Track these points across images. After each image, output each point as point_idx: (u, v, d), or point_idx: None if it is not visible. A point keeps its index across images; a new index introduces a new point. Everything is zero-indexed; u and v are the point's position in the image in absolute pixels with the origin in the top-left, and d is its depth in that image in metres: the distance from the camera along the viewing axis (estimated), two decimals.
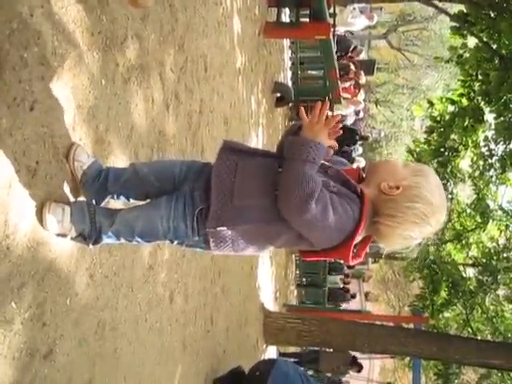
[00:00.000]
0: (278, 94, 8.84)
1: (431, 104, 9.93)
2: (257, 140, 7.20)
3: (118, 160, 2.81)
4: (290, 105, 10.00)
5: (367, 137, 14.02)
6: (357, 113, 13.49)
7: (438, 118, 9.75)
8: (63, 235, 2.22)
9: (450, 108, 9.71)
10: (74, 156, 2.34)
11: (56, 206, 2.18)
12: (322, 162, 2.00)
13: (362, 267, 16.15)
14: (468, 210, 10.69)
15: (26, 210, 2.05)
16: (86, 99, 2.47)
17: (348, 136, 12.27)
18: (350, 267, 17.50)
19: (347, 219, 1.93)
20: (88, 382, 2.59)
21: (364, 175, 2.12)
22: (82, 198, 2.41)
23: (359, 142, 13.21)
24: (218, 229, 2.02)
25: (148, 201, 2.31)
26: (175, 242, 2.20)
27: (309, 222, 1.87)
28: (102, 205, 2.40)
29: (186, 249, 2.33)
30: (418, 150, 10.59)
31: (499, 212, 10.44)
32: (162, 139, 3.44)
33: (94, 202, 2.36)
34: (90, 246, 2.27)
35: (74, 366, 2.44)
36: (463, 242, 10.82)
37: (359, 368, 10.47)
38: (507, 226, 10.23)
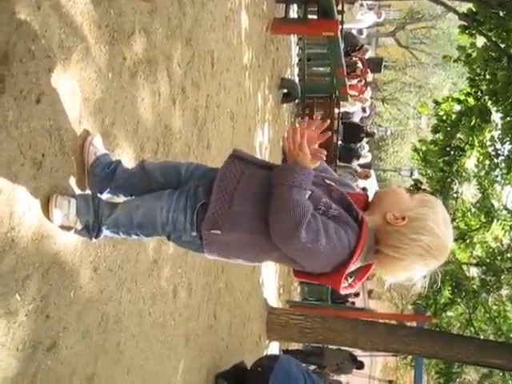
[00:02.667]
0: (285, 90, 8.82)
1: (437, 103, 9.89)
2: (262, 136, 7.19)
3: (124, 153, 2.81)
4: (297, 101, 9.97)
5: (373, 133, 14.00)
6: (363, 110, 13.46)
7: (444, 118, 9.71)
8: (68, 228, 2.23)
9: (457, 107, 9.67)
10: (91, 141, 2.39)
11: (62, 199, 2.17)
12: (329, 182, 2.03)
13: None
14: (473, 210, 10.65)
15: (31, 202, 2.05)
16: (93, 92, 2.47)
17: (354, 133, 12.26)
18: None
19: (342, 248, 1.87)
20: (91, 375, 2.60)
21: (370, 201, 2.09)
22: (87, 192, 2.41)
23: (365, 139, 13.18)
24: (213, 232, 1.99)
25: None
26: (172, 237, 2.16)
27: (298, 250, 1.85)
28: (105, 198, 2.39)
29: (181, 247, 2.31)
30: (423, 148, 10.55)
31: (504, 212, 10.39)
32: (168, 133, 3.44)
33: (97, 191, 2.37)
34: (93, 239, 2.26)
35: (77, 359, 2.45)
36: (467, 241, 10.78)
37: (360, 365, 10.47)
38: (511, 227, 10.19)
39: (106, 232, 2.25)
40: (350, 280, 1.99)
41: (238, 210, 1.98)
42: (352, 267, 1.90)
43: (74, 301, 2.40)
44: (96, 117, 2.50)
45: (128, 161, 2.86)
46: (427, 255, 1.91)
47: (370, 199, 2.11)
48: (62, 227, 2.21)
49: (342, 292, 2.00)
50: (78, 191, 2.38)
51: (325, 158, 1.99)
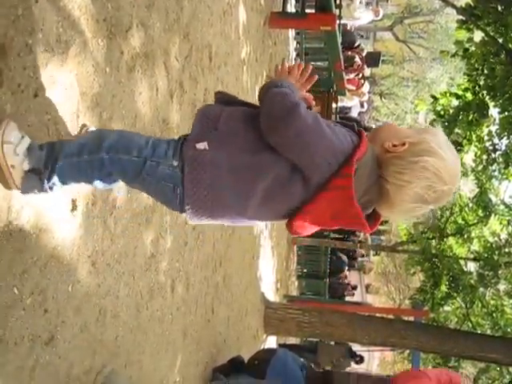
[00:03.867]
0: None
1: (435, 99, 9.90)
2: None
3: None
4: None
5: (371, 128, 14.00)
6: (361, 105, 13.47)
7: (442, 113, 9.72)
8: (9, 173, 1.82)
9: (455, 102, 9.68)
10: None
11: (14, 127, 1.83)
12: None
13: (363, 259, 16.16)
14: (470, 204, 10.69)
15: (29, 196, 2.05)
16: (90, 86, 2.46)
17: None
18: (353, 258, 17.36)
19: (344, 138, 1.73)
20: (89, 369, 2.61)
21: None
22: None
23: None
24: (198, 146, 1.77)
25: None
26: (147, 167, 1.81)
27: (300, 131, 1.67)
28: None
29: (150, 191, 1.96)
30: None
31: (501, 207, 10.44)
32: (166, 128, 3.44)
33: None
34: (45, 184, 1.87)
35: (75, 353, 2.45)
36: (465, 236, 10.83)
37: (360, 359, 10.51)
38: (509, 221, 10.23)
39: (62, 166, 1.85)
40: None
41: (224, 130, 1.80)
42: (358, 184, 1.69)
43: (72, 295, 2.40)
44: (94, 111, 2.50)
45: None
46: (434, 178, 1.72)
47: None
48: (4, 166, 1.80)
49: (358, 214, 1.73)
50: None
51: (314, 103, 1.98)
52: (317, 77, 1.98)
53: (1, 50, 1.85)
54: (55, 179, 1.88)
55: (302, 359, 8.19)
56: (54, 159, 1.85)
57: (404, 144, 1.77)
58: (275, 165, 1.74)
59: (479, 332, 9.97)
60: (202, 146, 1.76)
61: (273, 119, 1.70)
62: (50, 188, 1.90)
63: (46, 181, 1.86)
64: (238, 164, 1.76)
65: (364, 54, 12.01)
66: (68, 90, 2.27)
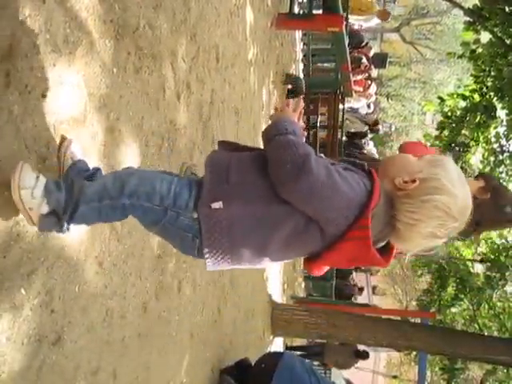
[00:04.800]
0: (290, 86, 8.82)
1: (442, 100, 9.88)
2: None
3: (129, 149, 2.82)
4: (301, 97, 9.97)
5: (378, 129, 13.96)
6: (368, 106, 13.43)
7: (449, 114, 9.70)
8: (28, 215, 1.86)
9: (462, 103, 9.66)
10: (68, 146, 2.16)
11: (29, 169, 1.85)
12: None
13: None
14: None
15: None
16: (98, 87, 2.47)
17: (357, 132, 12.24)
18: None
19: (357, 187, 1.71)
20: (96, 370, 2.61)
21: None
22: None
23: (370, 135, 13.16)
24: (213, 206, 1.76)
25: None
26: (168, 215, 1.81)
27: (313, 187, 1.65)
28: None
29: (168, 238, 1.96)
30: (428, 144, 10.54)
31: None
32: (173, 129, 3.44)
33: None
34: (64, 227, 1.90)
35: (81, 353, 2.46)
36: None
37: (365, 356, 10.49)
38: None
39: (83, 211, 1.86)
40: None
41: (236, 181, 1.79)
42: (374, 224, 1.70)
43: (79, 295, 2.40)
44: (101, 111, 2.50)
45: (133, 156, 2.87)
46: (445, 216, 1.73)
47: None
48: (23, 210, 1.85)
49: (376, 258, 1.76)
50: None
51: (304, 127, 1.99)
52: (303, 106, 2.01)
53: (8, 50, 1.86)
54: (75, 221, 1.92)
55: (308, 360, 8.19)
56: (73, 204, 1.86)
57: (414, 181, 1.77)
58: (291, 217, 1.74)
59: (486, 334, 9.92)
60: (217, 205, 1.77)
61: (284, 177, 1.68)
62: (68, 229, 1.94)
63: (65, 224, 1.90)
64: (254, 217, 1.77)
65: (371, 54, 11.98)
66: (75, 90, 2.28)
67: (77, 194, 1.86)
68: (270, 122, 1.87)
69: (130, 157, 2.83)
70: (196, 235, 1.81)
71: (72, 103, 2.26)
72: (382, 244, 1.85)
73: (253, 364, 5.31)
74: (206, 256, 1.82)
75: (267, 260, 1.89)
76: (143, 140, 3.00)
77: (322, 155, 1.87)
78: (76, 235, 2.34)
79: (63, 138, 2.18)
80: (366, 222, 1.68)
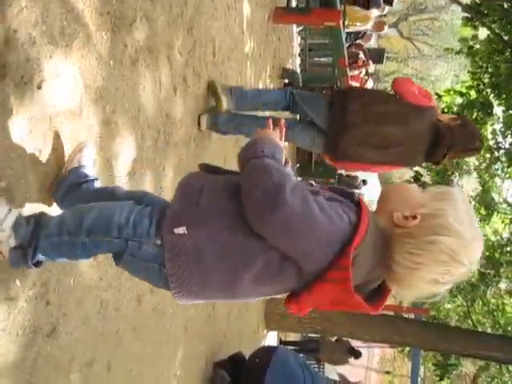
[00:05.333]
0: (286, 80, 8.80)
1: (439, 97, 9.89)
2: None
3: (125, 142, 2.81)
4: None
5: None
6: None
7: (446, 110, 9.71)
8: None
9: (459, 100, 9.67)
10: (83, 148, 2.24)
11: (2, 202, 1.83)
12: (313, 188, 1.67)
13: None
14: (472, 203, 10.67)
15: (30, 188, 2.06)
16: (94, 80, 2.46)
17: None
18: None
19: (340, 221, 1.49)
20: (90, 361, 2.61)
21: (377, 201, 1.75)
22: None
23: None
24: (176, 231, 1.60)
25: None
26: (129, 247, 1.68)
27: (287, 221, 1.45)
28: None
29: (134, 273, 1.81)
30: None
31: (504, 205, 10.43)
32: (169, 122, 3.44)
33: (58, 195, 2.16)
34: (29, 263, 1.81)
35: (76, 345, 2.46)
36: None
37: (358, 355, 10.54)
38: (511, 220, 10.21)
39: (43, 244, 1.80)
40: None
41: (207, 205, 1.63)
42: (358, 265, 1.49)
43: (74, 287, 2.41)
44: (97, 104, 2.50)
45: (129, 149, 2.87)
46: (451, 262, 1.51)
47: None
48: None
49: (358, 302, 1.54)
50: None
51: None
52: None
53: (4, 41, 1.85)
54: (40, 257, 1.83)
55: (302, 355, 8.22)
56: (36, 238, 1.79)
57: (415, 217, 1.56)
58: (264, 251, 1.55)
59: (480, 330, 9.97)
60: (181, 230, 1.60)
61: (255, 208, 1.49)
62: (35, 265, 1.85)
63: (29, 259, 1.80)
64: (222, 248, 1.59)
65: (371, 42, 11.96)
66: (71, 82, 2.28)
67: (42, 225, 1.81)
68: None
69: (126, 149, 2.83)
70: (162, 264, 1.64)
71: (68, 95, 2.26)
72: (374, 286, 1.65)
73: (246, 358, 5.32)
74: (172, 286, 1.66)
75: (239, 297, 1.70)
76: (139, 133, 3.00)
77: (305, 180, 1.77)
78: None
79: (80, 143, 2.26)
80: (347, 262, 1.47)
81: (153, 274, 1.70)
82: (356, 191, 13.49)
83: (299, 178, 11.66)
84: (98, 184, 2.24)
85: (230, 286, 1.64)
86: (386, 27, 12.66)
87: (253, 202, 1.50)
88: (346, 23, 9.03)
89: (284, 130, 1.84)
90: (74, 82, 2.30)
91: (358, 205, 1.59)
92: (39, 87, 2.05)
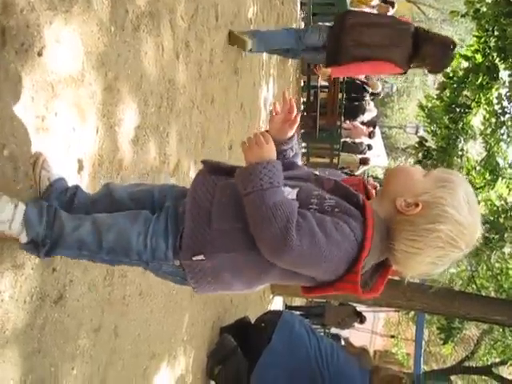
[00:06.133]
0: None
1: None
2: (267, 91, 7.13)
3: (128, 108, 2.80)
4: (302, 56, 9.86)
5: (378, 93, 13.82)
6: None
7: (451, 74, 9.59)
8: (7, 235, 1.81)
9: (464, 64, 9.54)
10: (42, 163, 2.06)
11: (6, 201, 1.79)
12: (317, 174, 1.75)
13: None
14: (477, 168, 10.62)
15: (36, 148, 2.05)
16: (95, 46, 2.44)
17: (357, 92, 12.12)
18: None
19: (347, 243, 1.55)
20: (98, 327, 2.65)
21: (368, 188, 1.80)
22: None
23: (370, 98, 13.05)
24: (195, 259, 1.68)
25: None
26: (150, 265, 1.81)
27: (297, 260, 1.53)
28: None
29: (162, 278, 1.93)
30: (429, 105, 10.47)
31: (509, 170, 10.36)
32: (172, 88, 3.41)
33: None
34: (42, 257, 1.87)
35: (83, 312, 2.49)
36: None
37: (362, 319, 10.65)
38: None
39: (62, 252, 1.88)
40: (370, 284, 1.70)
41: (219, 228, 1.68)
42: (367, 264, 1.60)
43: None
44: (99, 70, 2.48)
45: (132, 116, 2.85)
46: (449, 247, 1.60)
47: (368, 184, 1.81)
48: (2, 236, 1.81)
49: (365, 296, 1.67)
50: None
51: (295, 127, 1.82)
52: (299, 118, 1.82)
53: (3, 7, 1.83)
54: (52, 256, 1.90)
55: (307, 320, 8.30)
56: (52, 244, 1.81)
57: (417, 205, 1.61)
58: (276, 267, 1.63)
59: (483, 294, 10.04)
60: (199, 257, 1.68)
61: (265, 247, 1.55)
62: (48, 257, 1.90)
63: (42, 255, 1.84)
64: (239, 268, 1.70)
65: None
66: (72, 49, 2.25)
67: (56, 233, 1.81)
68: (244, 155, 1.64)
69: (129, 116, 2.82)
70: (184, 278, 1.76)
71: (69, 62, 2.24)
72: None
73: (252, 323, 5.38)
74: (195, 291, 1.81)
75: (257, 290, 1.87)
76: (142, 99, 2.98)
77: (313, 203, 1.63)
78: None
79: (36, 156, 2.06)
80: (356, 277, 1.58)
81: (178, 282, 1.84)
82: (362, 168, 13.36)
83: (304, 144, 11.63)
84: (83, 192, 2.12)
85: (249, 289, 1.83)
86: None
87: (262, 244, 1.55)
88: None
89: (294, 110, 1.80)
90: (75, 49, 2.28)
91: (363, 209, 1.62)
92: (40, 54, 2.02)
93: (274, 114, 1.83)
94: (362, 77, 12.48)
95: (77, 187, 2.12)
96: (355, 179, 1.84)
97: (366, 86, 12.22)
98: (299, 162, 1.94)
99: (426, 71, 5.24)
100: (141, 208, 1.89)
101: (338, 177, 1.82)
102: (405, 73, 5.16)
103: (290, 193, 1.66)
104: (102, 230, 1.80)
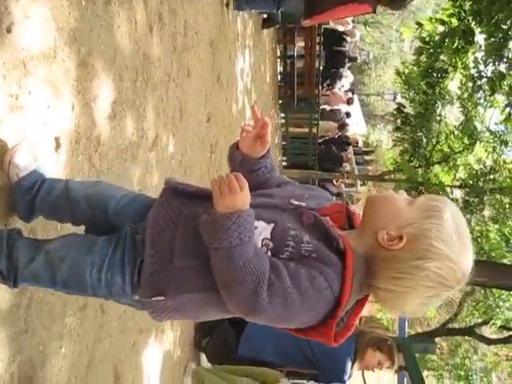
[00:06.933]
0: (265, 15, 8.62)
1: (420, 25, 9.74)
2: (244, 62, 7.08)
3: (103, 84, 2.76)
4: (277, 26, 9.77)
5: (355, 58, 13.80)
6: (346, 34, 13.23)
7: (427, 39, 9.59)
8: None
9: (440, 29, 9.54)
10: (11, 159, 1.99)
11: None
12: (297, 204, 1.58)
13: (351, 189, 16.21)
14: (456, 132, 10.69)
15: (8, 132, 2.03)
16: (66, 21, 2.39)
17: (336, 58, 12.10)
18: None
19: (323, 299, 1.42)
20: (83, 306, 2.64)
21: (353, 214, 1.64)
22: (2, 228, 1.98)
23: (348, 64, 13.03)
24: (155, 299, 1.55)
25: (81, 233, 1.89)
26: (109, 299, 1.71)
27: (268, 319, 1.43)
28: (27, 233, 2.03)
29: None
30: (406, 71, 10.48)
31: (487, 134, 10.45)
32: (147, 62, 3.37)
33: (23, 219, 2.03)
34: (13, 288, 1.83)
35: None
36: (450, 163, 10.89)
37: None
38: (494, 148, 10.27)
39: (23, 284, 1.81)
40: (344, 320, 1.51)
41: (181, 265, 1.53)
42: (342, 314, 1.46)
43: (61, 231, 2.40)
44: (71, 46, 2.43)
45: (107, 91, 2.81)
46: (439, 287, 1.45)
47: (352, 209, 1.65)
48: None
49: (337, 344, 1.48)
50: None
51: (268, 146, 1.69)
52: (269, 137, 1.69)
53: None
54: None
55: None
56: (14, 276, 1.77)
57: (401, 238, 1.45)
58: None
59: None
60: (159, 298, 1.54)
61: (235, 308, 1.44)
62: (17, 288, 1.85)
63: (12, 286, 1.81)
64: (206, 305, 1.57)
65: None
66: (43, 24, 2.20)
67: (14, 267, 1.75)
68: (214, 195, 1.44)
69: (104, 92, 2.78)
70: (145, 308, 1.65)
71: (40, 39, 2.19)
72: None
73: None
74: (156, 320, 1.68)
75: None
76: (117, 74, 2.94)
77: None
78: (54, 172, 2.31)
79: (9, 150, 2.01)
80: (329, 332, 1.45)
81: (140, 308, 1.70)
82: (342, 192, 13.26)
83: (282, 115, 11.60)
84: (48, 185, 2.00)
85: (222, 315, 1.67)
86: None
87: (231, 305, 1.44)
88: None
89: (269, 126, 1.68)
90: (46, 25, 2.23)
91: (343, 255, 1.46)
92: (9, 31, 1.98)
93: (243, 135, 1.71)
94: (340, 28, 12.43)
95: (44, 181, 2.00)
96: (338, 205, 1.65)
97: (344, 36, 12.21)
98: (277, 174, 1.81)
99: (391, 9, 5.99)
100: (94, 216, 1.81)
101: (319, 198, 1.67)
102: (374, 11, 5.60)
103: (265, 229, 1.49)
104: (54, 262, 1.69)
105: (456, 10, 9.01)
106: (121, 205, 1.80)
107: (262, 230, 1.49)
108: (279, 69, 11.24)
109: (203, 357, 4.88)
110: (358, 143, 16.30)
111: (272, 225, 1.49)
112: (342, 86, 12.80)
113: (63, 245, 1.74)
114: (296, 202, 1.59)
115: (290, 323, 1.48)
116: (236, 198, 1.40)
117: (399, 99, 15.73)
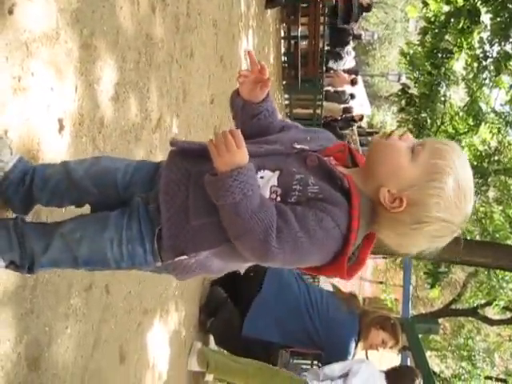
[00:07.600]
0: None
1: (425, 4, 9.64)
2: (247, 43, 7.03)
3: (106, 65, 2.75)
4: (281, 6, 9.70)
5: (360, 35, 13.69)
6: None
7: (433, 19, 9.49)
8: None
9: (446, 8, 9.44)
10: None
11: None
12: (300, 147, 1.62)
13: None
14: (460, 113, 10.64)
15: (12, 120, 2.03)
16: (69, 2, 2.38)
17: (340, 36, 12.02)
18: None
19: (332, 238, 1.48)
20: (88, 286, 2.66)
21: (355, 152, 1.68)
22: (5, 216, 1.96)
23: (352, 44, 12.95)
24: (177, 260, 1.62)
25: (89, 212, 1.87)
26: (134, 269, 1.77)
27: (280, 262, 1.50)
28: (31, 217, 1.97)
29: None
30: (411, 52, 10.39)
31: (492, 115, 10.39)
32: (150, 43, 3.35)
33: (19, 214, 1.91)
34: (27, 275, 1.85)
35: (73, 272, 2.49)
36: None
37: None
38: (499, 129, 10.22)
39: (42, 270, 1.80)
40: (355, 254, 1.60)
41: (197, 223, 1.57)
42: (352, 249, 1.53)
43: (66, 215, 2.41)
44: (74, 28, 2.42)
45: (110, 72, 2.80)
46: (438, 240, 1.55)
47: (354, 150, 1.69)
48: None
49: (349, 278, 1.56)
50: None
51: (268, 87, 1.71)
52: (269, 82, 1.70)
53: None
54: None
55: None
56: (30, 264, 1.73)
57: (402, 201, 1.49)
58: None
59: (469, 238, 10.20)
60: (182, 258, 1.61)
61: (248, 255, 1.51)
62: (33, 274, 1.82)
63: (26, 274, 1.80)
64: (227, 256, 1.64)
65: None
66: (45, 6, 2.19)
67: (29, 255, 1.72)
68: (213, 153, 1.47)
69: (107, 73, 2.77)
70: (169, 271, 1.73)
71: (42, 20, 2.18)
72: None
73: (242, 274, 5.43)
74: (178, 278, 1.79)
75: None
76: (120, 55, 2.93)
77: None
78: (58, 154, 2.32)
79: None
80: (341, 268, 1.53)
81: (161, 273, 1.79)
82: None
83: (286, 96, 11.54)
84: (41, 173, 1.87)
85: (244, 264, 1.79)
86: None
87: (244, 253, 1.51)
88: None
89: (266, 70, 1.69)
90: (48, 6, 2.22)
91: (348, 193, 1.51)
92: (11, 12, 1.97)
93: (241, 80, 1.72)
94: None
95: (34, 170, 1.89)
96: (340, 144, 1.70)
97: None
98: (278, 116, 1.84)
99: None
100: (105, 195, 1.79)
101: (322, 140, 1.70)
102: None
103: (271, 177, 1.54)
104: (72, 245, 1.69)
105: None
106: (129, 175, 1.79)
107: (269, 179, 1.54)
108: (283, 49, 11.18)
109: (211, 338, 4.90)
110: (362, 118, 16.16)
111: (278, 172, 1.55)
112: (344, 64, 12.71)
113: (77, 226, 1.73)
114: (299, 146, 1.63)
115: (303, 264, 1.57)
116: (234, 155, 1.44)
117: (404, 80, 15.65)
